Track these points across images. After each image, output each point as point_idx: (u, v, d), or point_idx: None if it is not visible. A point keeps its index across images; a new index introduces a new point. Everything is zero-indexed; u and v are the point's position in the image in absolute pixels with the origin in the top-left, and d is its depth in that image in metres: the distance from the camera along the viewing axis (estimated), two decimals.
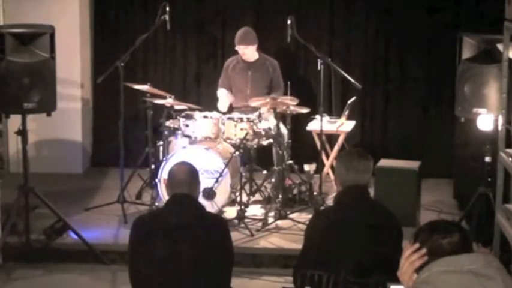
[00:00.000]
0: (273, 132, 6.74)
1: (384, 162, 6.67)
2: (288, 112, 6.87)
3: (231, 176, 6.52)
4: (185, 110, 6.88)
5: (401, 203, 6.03)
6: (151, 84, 6.99)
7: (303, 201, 6.93)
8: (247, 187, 6.90)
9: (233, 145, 6.70)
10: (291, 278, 3.92)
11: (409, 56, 8.03)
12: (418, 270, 2.61)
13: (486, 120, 5.92)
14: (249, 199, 6.81)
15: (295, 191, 6.99)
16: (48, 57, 5.87)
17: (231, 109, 7.32)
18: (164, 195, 6.18)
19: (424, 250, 2.61)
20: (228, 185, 6.48)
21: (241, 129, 6.61)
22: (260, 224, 6.47)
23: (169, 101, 6.84)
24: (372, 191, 5.78)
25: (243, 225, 6.38)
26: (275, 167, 6.91)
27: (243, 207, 6.50)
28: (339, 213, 3.93)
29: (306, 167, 7.05)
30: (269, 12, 8.13)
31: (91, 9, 8.28)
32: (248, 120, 6.64)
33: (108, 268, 5.93)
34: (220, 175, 6.41)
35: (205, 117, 6.70)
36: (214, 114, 6.78)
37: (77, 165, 8.18)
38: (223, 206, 6.58)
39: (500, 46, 5.64)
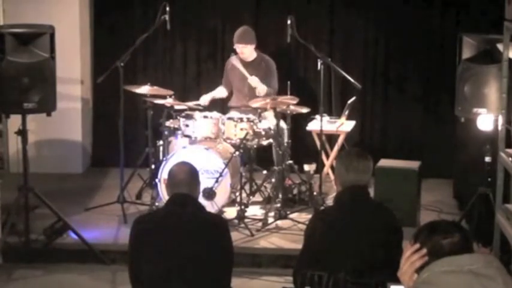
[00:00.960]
0: (273, 132, 6.74)
1: (383, 162, 6.67)
2: (288, 112, 6.87)
3: (231, 176, 6.52)
4: (185, 110, 6.88)
5: (401, 203, 6.04)
6: (151, 84, 7.00)
7: (303, 201, 6.93)
8: (247, 187, 6.91)
9: (233, 145, 6.70)
10: (291, 278, 3.92)
11: (409, 56, 8.03)
12: (419, 270, 2.60)
13: (486, 120, 5.92)
14: (249, 199, 6.81)
15: (295, 191, 6.99)
16: (48, 57, 5.87)
17: (230, 109, 7.32)
18: (164, 195, 6.19)
19: (424, 250, 2.61)
20: (228, 185, 6.48)
21: (241, 129, 6.61)
22: (260, 224, 6.47)
23: (169, 101, 6.85)
24: (372, 191, 5.79)
25: (243, 225, 6.39)
26: (275, 167, 6.91)
27: (243, 207, 6.50)
28: (338, 213, 3.93)
29: (306, 167, 7.05)
30: (269, 12, 8.13)
31: (91, 9, 8.28)
32: (248, 120, 6.64)
33: (108, 268, 5.93)
34: (220, 175, 6.41)
35: (205, 117, 6.70)
36: (214, 114, 6.78)
37: (77, 165, 8.18)
38: (223, 206, 6.58)
39: (500, 46, 5.64)
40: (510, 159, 5.26)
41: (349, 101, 7.38)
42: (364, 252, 3.75)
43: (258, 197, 6.98)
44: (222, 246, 3.91)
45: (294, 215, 6.57)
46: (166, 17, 6.91)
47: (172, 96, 6.88)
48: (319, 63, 6.58)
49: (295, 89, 7.12)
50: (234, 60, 7.31)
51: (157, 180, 6.56)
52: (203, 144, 6.64)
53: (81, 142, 8.19)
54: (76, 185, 7.69)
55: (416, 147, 7.97)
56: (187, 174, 3.96)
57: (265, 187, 7.03)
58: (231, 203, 6.73)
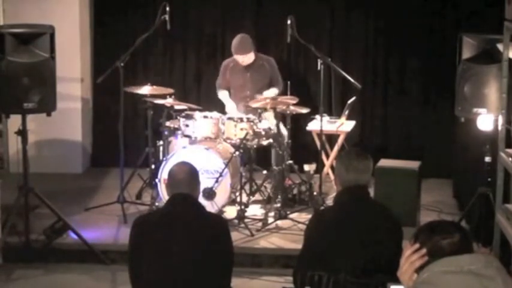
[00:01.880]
0: (272, 132, 6.74)
1: (383, 162, 6.67)
2: (288, 112, 6.87)
3: (231, 176, 6.52)
4: (185, 110, 6.88)
5: (401, 203, 6.03)
6: (151, 84, 7.00)
7: (303, 201, 6.93)
8: (247, 187, 6.91)
9: (233, 145, 6.70)
10: (291, 278, 3.92)
11: (409, 56, 8.02)
12: (418, 270, 2.60)
13: (486, 120, 5.91)
14: (249, 199, 6.81)
15: (295, 191, 6.99)
16: (48, 57, 5.87)
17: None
18: (164, 195, 6.19)
19: (424, 250, 2.61)
20: (228, 185, 6.48)
21: (241, 129, 6.61)
22: (260, 224, 6.47)
23: (169, 101, 6.85)
24: (372, 191, 5.79)
25: (243, 225, 6.38)
26: (275, 167, 6.91)
27: (243, 207, 6.50)
28: (338, 213, 3.93)
29: (306, 167, 7.05)
30: (269, 12, 8.13)
31: (91, 9, 8.28)
32: (248, 120, 6.64)
33: (108, 268, 5.93)
34: (220, 175, 6.41)
35: (205, 117, 6.70)
36: (214, 114, 6.78)
37: (77, 165, 8.18)
38: (223, 206, 6.58)
39: (500, 46, 5.64)
40: (510, 159, 5.26)
41: (349, 101, 7.38)
42: (364, 252, 3.75)
43: (258, 197, 6.98)
44: (222, 246, 3.91)
45: (294, 215, 6.57)
46: (166, 17, 6.90)
47: (172, 96, 6.88)
48: (319, 63, 6.58)
49: (295, 89, 7.12)
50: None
51: (157, 180, 6.56)
52: (203, 144, 6.64)
53: (81, 142, 8.19)
54: (76, 185, 7.69)
55: (416, 147, 7.97)
56: (187, 174, 3.96)
57: (265, 187, 7.03)
58: (231, 203, 6.73)
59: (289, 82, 7.19)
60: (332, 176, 7.31)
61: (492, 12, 7.09)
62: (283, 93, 7.21)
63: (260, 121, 6.70)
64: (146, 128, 7.08)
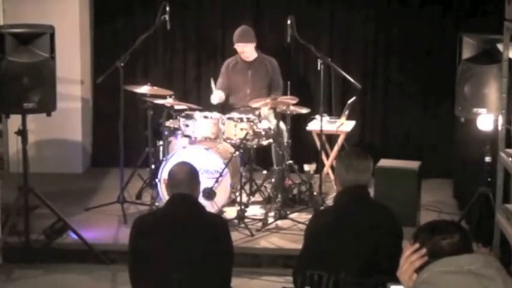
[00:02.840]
0: (272, 132, 6.74)
1: (383, 162, 6.67)
2: (288, 112, 6.87)
3: (231, 176, 6.52)
4: (185, 110, 6.88)
5: (401, 203, 6.03)
6: (151, 84, 6.99)
7: (303, 201, 6.93)
8: (247, 187, 6.91)
9: (233, 145, 6.70)
10: (291, 278, 3.92)
11: (409, 56, 8.02)
12: (418, 270, 2.60)
13: (486, 120, 5.91)
14: (249, 199, 6.81)
15: (295, 191, 6.98)
16: (48, 57, 5.87)
17: (230, 109, 7.32)
18: (164, 195, 6.19)
19: (424, 250, 2.61)
20: (228, 185, 6.48)
21: (241, 129, 6.61)
22: (260, 224, 6.47)
23: (169, 101, 6.85)
24: (372, 191, 5.78)
25: (243, 225, 6.38)
26: (275, 167, 6.91)
27: (243, 207, 6.50)
28: (338, 213, 3.93)
29: (306, 167, 7.05)
30: (269, 12, 8.13)
31: (91, 9, 8.28)
32: (248, 120, 6.64)
33: (108, 268, 5.93)
34: (220, 175, 6.41)
35: (205, 117, 6.70)
36: (214, 114, 6.78)
37: (77, 165, 8.18)
38: (223, 206, 6.58)
39: (500, 46, 5.64)
40: (510, 159, 5.26)
41: (349, 101, 7.38)
42: (364, 252, 3.75)
43: (258, 197, 6.98)
44: (222, 246, 3.91)
45: (294, 215, 6.57)
46: (166, 17, 6.90)
47: (172, 96, 6.88)
48: (319, 63, 6.58)
49: (295, 89, 7.12)
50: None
51: (157, 180, 6.56)
52: (203, 144, 6.64)
53: (81, 142, 8.19)
54: (76, 185, 7.69)
55: (416, 147, 7.97)
56: (187, 174, 3.96)
57: (265, 187, 7.03)
58: (231, 203, 6.73)
59: (289, 82, 7.19)
60: (332, 176, 7.31)
61: (492, 12, 7.09)
62: (283, 93, 7.21)
63: (260, 121, 6.70)
64: (146, 128, 7.08)
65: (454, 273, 2.51)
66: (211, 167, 6.45)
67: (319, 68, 6.58)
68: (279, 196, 6.67)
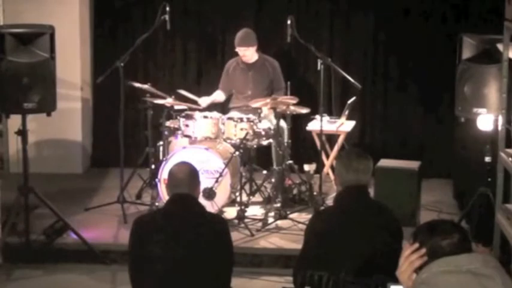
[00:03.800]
0: (273, 132, 6.74)
1: (383, 162, 6.67)
2: (288, 112, 6.87)
3: (231, 176, 6.52)
4: (185, 110, 6.88)
5: (401, 203, 6.04)
6: (152, 84, 7.00)
7: (303, 201, 6.93)
8: (247, 187, 6.91)
9: (233, 145, 6.70)
10: (291, 278, 3.92)
11: (409, 56, 8.02)
12: (417, 270, 2.60)
13: (486, 120, 5.91)
14: (249, 199, 6.81)
15: (295, 191, 6.99)
16: (48, 57, 5.87)
17: (230, 109, 7.33)
18: (164, 195, 6.19)
19: (423, 250, 2.61)
20: (228, 185, 6.48)
21: (241, 129, 6.61)
22: (260, 224, 6.47)
23: (169, 101, 6.85)
24: (372, 191, 5.79)
25: (243, 225, 6.38)
26: (275, 167, 6.91)
27: (243, 207, 6.50)
28: (338, 213, 3.93)
29: (306, 167, 7.04)
30: (269, 12, 8.13)
31: (91, 9, 8.27)
32: (248, 120, 6.64)
33: (108, 268, 5.93)
34: (220, 175, 6.41)
35: (205, 117, 6.70)
36: (214, 114, 6.79)
37: (77, 165, 8.18)
38: (223, 206, 6.58)
39: (500, 46, 5.63)
40: (510, 159, 5.26)
41: (349, 101, 7.38)
42: (364, 252, 3.75)
43: (258, 197, 6.98)
44: (222, 246, 3.91)
45: (294, 215, 6.57)
46: (166, 17, 6.91)
47: (172, 96, 6.88)
48: (319, 63, 6.58)
49: (295, 89, 7.12)
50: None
51: (157, 180, 6.56)
52: (203, 144, 6.64)
53: (81, 142, 8.19)
54: (76, 185, 7.69)
55: (416, 147, 7.96)
56: (187, 174, 3.96)
57: (265, 187, 7.03)
58: (231, 203, 6.73)
59: (289, 82, 7.19)
60: (332, 176, 7.31)
61: (492, 12, 7.09)
62: (284, 93, 7.20)
63: (260, 121, 6.71)
64: (146, 128, 7.09)
65: (453, 273, 2.51)
66: (211, 167, 6.46)
67: (319, 68, 6.58)
68: (279, 196, 6.68)
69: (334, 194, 4.89)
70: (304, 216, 6.52)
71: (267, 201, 6.90)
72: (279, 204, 6.62)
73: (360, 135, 8.14)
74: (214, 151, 6.54)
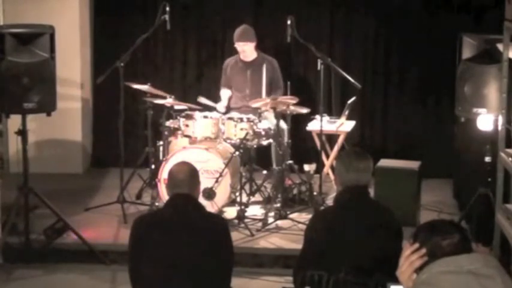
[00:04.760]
0: (273, 132, 6.74)
1: (383, 162, 6.67)
2: (288, 112, 6.87)
3: (231, 176, 6.52)
4: (185, 110, 6.88)
5: (401, 203, 6.03)
6: (152, 84, 7.00)
7: (303, 201, 6.93)
8: (247, 187, 6.91)
9: (233, 145, 6.70)
10: (291, 278, 3.92)
11: (409, 56, 8.02)
12: (418, 270, 2.60)
13: (486, 120, 5.91)
14: (249, 199, 6.81)
15: (295, 191, 6.98)
16: (48, 57, 5.86)
17: (230, 109, 7.33)
18: (164, 195, 6.19)
19: (423, 250, 2.60)
20: (228, 185, 6.48)
21: (241, 129, 6.61)
22: (260, 224, 6.47)
23: (169, 101, 6.85)
24: (372, 191, 5.79)
25: (243, 225, 6.38)
26: (275, 167, 6.91)
27: (243, 207, 6.50)
28: (338, 213, 3.93)
29: (306, 167, 7.04)
30: (269, 12, 8.13)
31: (91, 9, 8.28)
32: (248, 120, 6.64)
33: (108, 268, 5.93)
34: (220, 175, 6.41)
35: (205, 117, 6.70)
36: (214, 114, 6.79)
37: (77, 165, 8.18)
38: (223, 206, 6.58)
39: (500, 46, 5.64)
40: (510, 159, 5.26)
41: (349, 101, 7.38)
42: (364, 252, 3.75)
43: (258, 197, 6.98)
44: (222, 246, 3.91)
45: (294, 215, 6.57)
46: (166, 17, 6.91)
47: (172, 96, 6.88)
48: (319, 63, 6.58)
49: (295, 89, 7.12)
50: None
51: (157, 180, 6.56)
52: (203, 144, 6.64)
53: (81, 142, 8.19)
54: (76, 185, 7.69)
55: (416, 147, 7.96)
56: (187, 174, 3.96)
57: (265, 187, 7.03)
58: (231, 203, 6.73)
59: (289, 82, 7.19)
60: (332, 176, 7.31)
61: (492, 12, 7.09)
62: (283, 93, 7.21)
63: (260, 121, 6.71)
64: (146, 128, 7.09)
65: (454, 273, 2.51)
66: (211, 167, 6.45)
67: (319, 68, 6.58)
68: (279, 196, 6.67)
69: (334, 194, 4.89)
70: (304, 216, 6.52)
71: (267, 201, 6.90)
72: (279, 204, 6.62)
73: (360, 135, 8.14)
74: (214, 151, 6.54)
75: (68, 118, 7.89)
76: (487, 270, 2.52)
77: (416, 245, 2.62)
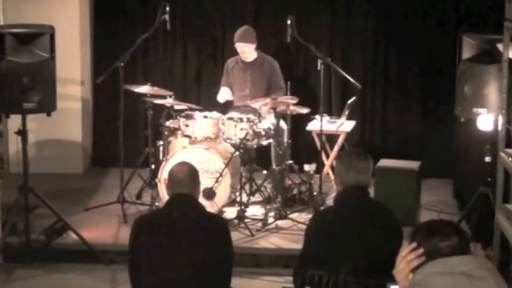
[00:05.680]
0: (273, 132, 6.74)
1: (383, 162, 6.67)
2: (288, 112, 6.87)
3: (231, 176, 6.52)
4: (185, 110, 6.88)
5: (401, 203, 6.03)
6: (151, 84, 6.99)
7: (303, 201, 6.93)
8: (247, 187, 6.91)
9: (233, 145, 6.70)
10: (291, 278, 3.92)
11: (409, 56, 8.02)
12: (415, 270, 2.59)
13: (486, 120, 5.91)
14: (249, 199, 6.81)
15: (295, 191, 6.99)
16: (48, 57, 5.87)
17: (230, 109, 7.33)
18: (164, 195, 6.19)
19: (421, 250, 2.59)
20: (228, 185, 6.48)
21: (241, 129, 6.61)
22: (260, 224, 6.47)
23: (169, 101, 6.85)
24: (372, 191, 5.79)
25: (243, 225, 6.38)
26: (275, 167, 6.91)
27: (243, 207, 6.50)
28: (339, 213, 3.93)
29: (306, 167, 7.04)
30: (269, 12, 8.13)
31: (91, 9, 8.28)
32: (248, 120, 6.64)
33: (108, 268, 5.93)
34: (220, 175, 6.41)
35: (205, 117, 6.70)
36: (214, 114, 6.78)
37: (77, 165, 8.18)
38: (223, 206, 6.58)
39: (500, 46, 5.63)
40: (510, 159, 5.26)
41: (349, 101, 7.38)
42: (363, 252, 3.75)
43: (258, 197, 6.98)
44: (222, 246, 3.91)
45: (294, 215, 6.57)
46: (166, 17, 6.91)
47: (172, 96, 6.88)
48: (319, 63, 6.58)
49: (295, 89, 7.12)
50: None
51: (157, 180, 6.56)
52: (203, 144, 6.64)
53: (81, 142, 8.19)
54: (76, 185, 7.69)
55: (416, 147, 7.96)
56: (188, 175, 3.96)
57: (265, 187, 7.03)
58: (231, 203, 6.73)
59: (289, 82, 7.19)
60: (332, 176, 7.31)
61: (492, 12, 7.09)
62: (284, 93, 7.20)
63: (260, 121, 6.71)
64: (146, 128, 7.08)
65: (447, 274, 2.50)
66: (211, 167, 6.46)
67: (319, 68, 6.58)
68: (279, 196, 6.67)
69: (334, 194, 4.89)
70: (304, 216, 6.52)
71: (267, 201, 6.91)
72: (279, 204, 6.62)
73: (360, 135, 8.14)
74: (214, 151, 6.54)
75: (68, 118, 7.89)
76: (480, 272, 2.51)
77: (414, 245, 2.61)
